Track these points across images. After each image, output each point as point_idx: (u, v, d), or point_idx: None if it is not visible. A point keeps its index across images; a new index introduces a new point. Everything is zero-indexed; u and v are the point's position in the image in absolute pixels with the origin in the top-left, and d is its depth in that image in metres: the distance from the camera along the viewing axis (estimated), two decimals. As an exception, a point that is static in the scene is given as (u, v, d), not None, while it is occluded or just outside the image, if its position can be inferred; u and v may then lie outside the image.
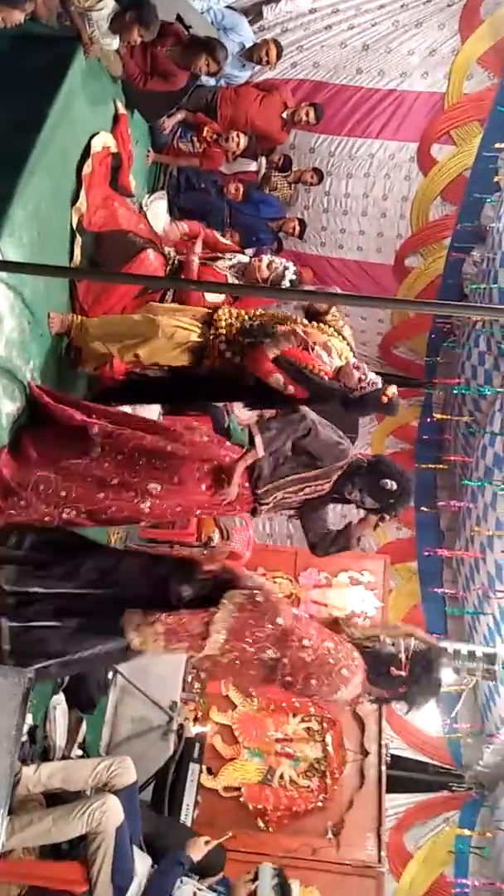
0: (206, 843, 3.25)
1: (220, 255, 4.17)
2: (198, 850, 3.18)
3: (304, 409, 3.14)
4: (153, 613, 2.51)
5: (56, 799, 3.00)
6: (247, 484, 3.00)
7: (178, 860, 3.09)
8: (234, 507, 3.04)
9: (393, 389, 3.46)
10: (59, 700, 3.58)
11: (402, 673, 2.54)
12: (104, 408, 3.12)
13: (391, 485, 2.96)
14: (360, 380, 3.39)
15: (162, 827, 3.49)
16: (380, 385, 3.42)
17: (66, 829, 2.78)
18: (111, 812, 2.80)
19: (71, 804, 2.84)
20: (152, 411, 4.65)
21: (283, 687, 2.53)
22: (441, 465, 6.83)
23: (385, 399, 3.42)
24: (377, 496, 3.03)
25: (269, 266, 3.97)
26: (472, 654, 2.61)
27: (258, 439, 2.96)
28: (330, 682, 2.49)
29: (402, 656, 2.55)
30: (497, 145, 6.17)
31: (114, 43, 3.92)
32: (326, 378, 3.36)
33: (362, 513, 3.20)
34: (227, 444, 3.14)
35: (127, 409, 4.26)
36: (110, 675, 4.24)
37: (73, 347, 3.57)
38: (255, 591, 2.52)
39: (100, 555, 2.78)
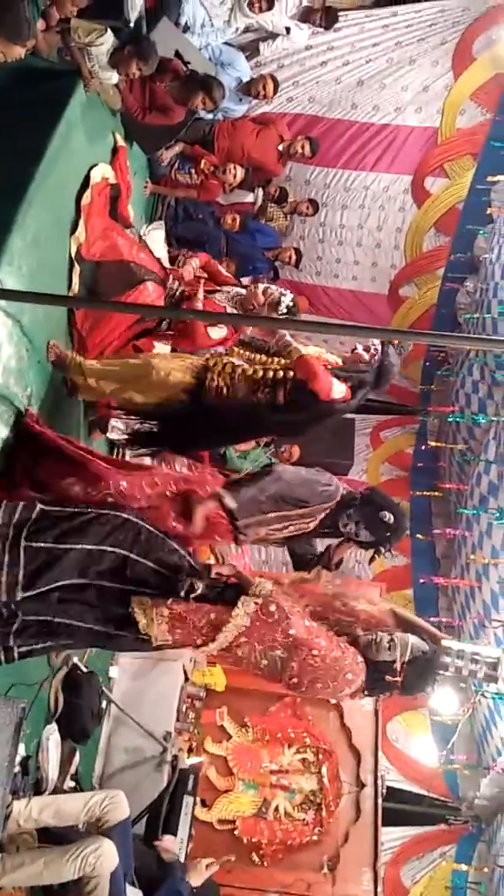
0: (207, 866, 3.19)
1: (218, 287, 4.21)
2: (198, 875, 3.12)
3: (279, 467, 3.16)
4: (163, 598, 2.52)
5: (48, 833, 2.94)
6: (222, 514, 2.96)
7: (177, 888, 3.03)
8: (212, 535, 3.02)
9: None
10: (52, 730, 3.54)
11: (397, 679, 2.54)
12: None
13: (389, 517, 2.95)
14: (368, 351, 3.38)
15: (155, 862, 3.43)
16: (378, 346, 3.40)
17: (59, 872, 2.72)
18: (105, 857, 2.74)
19: (63, 847, 2.77)
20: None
21: (287, 687, 2.55)
22: (436, 493, 6.84)
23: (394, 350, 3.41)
24: (374, 529, 3.01)
25: (264, 292, 4.01)
26: (474, 657, 2.57)
27: (228, 502, 2.92)
28: (335, 686, 2.52)
29: (398, 665, 2.53)
30: (490, 178, 6.30)
31: (113, 77, 4.01)
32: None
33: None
34: (206, 475, 3.14)
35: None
36: (104, 704, 4.19)
37: (69, 379, 3.58)
38: (270, 600, 2.51)
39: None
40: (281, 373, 3.33)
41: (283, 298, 4.00)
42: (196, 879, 3.10)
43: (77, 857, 2.71)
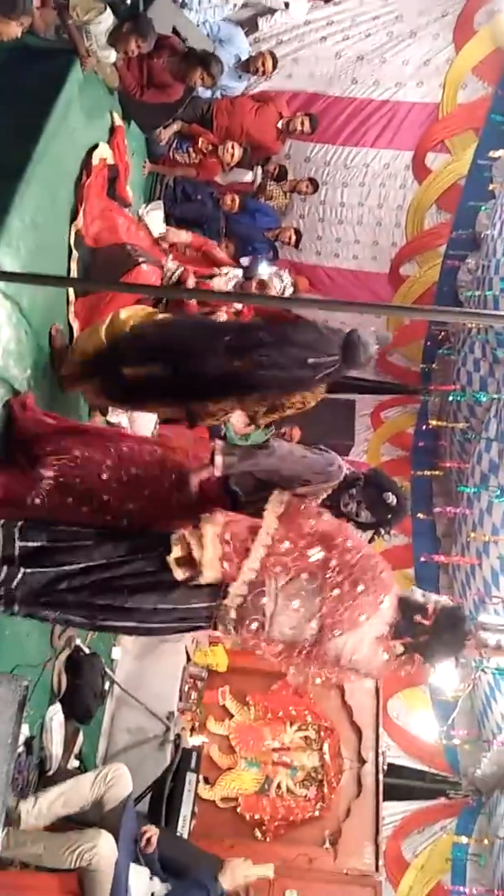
0: (245, 877, 3.19)
1: (216, 271, 4.19)
2: (231, 879, 3.13)
3: (274, 443, 3.15)
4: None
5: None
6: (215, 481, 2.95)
7: (203, 883, 3.06)
8: (207, 503, 2.99)
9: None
10: (56, 710, 3.57)
11: (426, 622, 2.46)
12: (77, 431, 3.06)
13: (392, 499, 2.92)
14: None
15: (169, 843, 3.48)
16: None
17: (56, 859, 2.76)
18: (103, 852, 2.78)
19: (63, 836, 2.81)
20: (148, 421, 4.66)
21: (330, 602, 2.37)
22: (437, 472, 6.84)
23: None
24: (376, 510, 2.97)
25: (263, 287, 3.99)
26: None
27: (218, 459, 2.93)
28: (375, 588, 2.39)
29: (430, 607, 2.47)
30: (492, 154, 6.22)
31: (111, 55, 3.96)
32: None
33: None
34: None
35: (125, 419, 4.29)
36: (107, 685, 4.23)
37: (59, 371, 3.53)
38: (296, 498, 2.54)
39: None
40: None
41: (285, 292, 3.98)
42: (229, 882, 3.12)
43: (73, 850, 2.75)
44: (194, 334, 3.23)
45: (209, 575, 2.37)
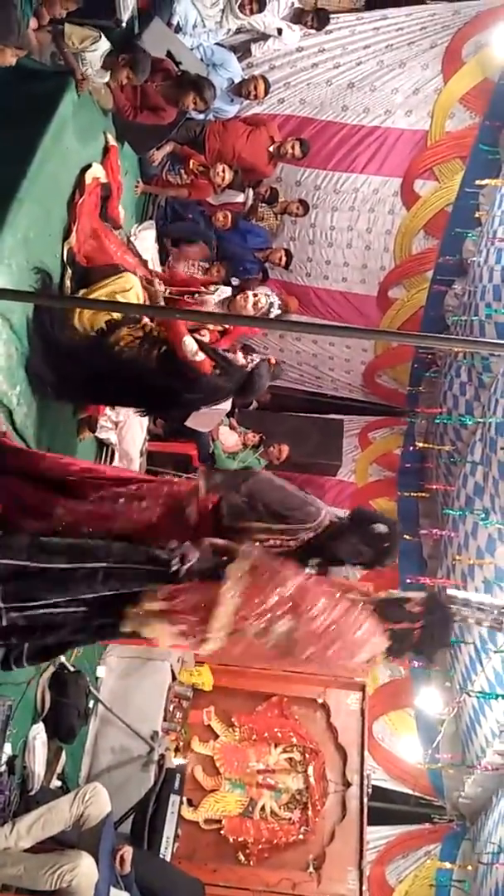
0: None
1: (204, 289, 4.24)
2: None
3: (256, 470, 3.18)
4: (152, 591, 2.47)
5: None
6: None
7: None
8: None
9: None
10: (39, 730, 3.53)
11: (418, 608, 2.52)
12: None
13: (382, 528, 2.83)
14: (245, 358, 3.55)
15: (150, 865, 3.45)
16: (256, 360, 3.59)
17: (36, 881, 2.74)
18: (83, 875, 2.77)
19: (43, 857, 2.79)
20: (137, 438, 4.67)
21: (307, 661, 2.49)
22: (423, 494, 6.88)
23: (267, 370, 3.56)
24: (372, 544, 2.92)
25: (255, 305, 4.04)
26: (480, 606, 2.58)
27: (201, 483, 2.94)
28: (351, 647, 2.45)
29: (415, 609, 2.54)
30: (478, 182, 6.32)
31: (105, 77, 4.01)
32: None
33: None
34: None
35: (113, 436, 4.30)
36: (91, 704, 4.19)
37: None
38: (258, 561, 2.49)
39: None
40: (156, 333, 3.64)
41: (271, 311, 4.04)
42: None
43: (53, 871, 2.73)
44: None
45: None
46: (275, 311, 4.10)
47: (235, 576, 2.44)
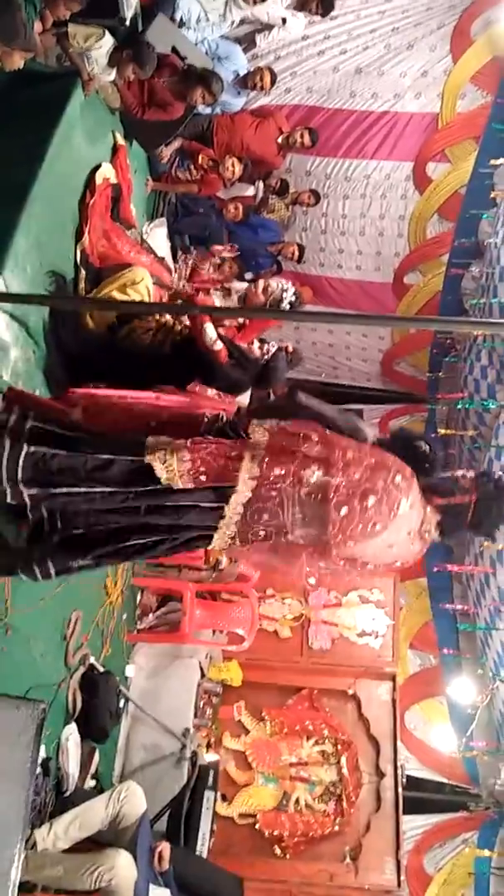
0: None
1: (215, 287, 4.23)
2: None
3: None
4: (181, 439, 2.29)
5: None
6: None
7: None
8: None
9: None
10: (72, 730, 3.56)
11: (467, 482, 2.30)
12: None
13: (424, 446, 2.52)
14: (262, 349, 3.50)
15: (187, 862, 3.46)
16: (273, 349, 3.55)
17: (76, 881, 2.76)
18: (121, 873, 2.78)
19: (81, 857, 2.80)
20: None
21: (340, 526, 2.20)
22: (448, 481, 6.79)
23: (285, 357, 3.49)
24: (415, 465, 2.77)
25: (265, 291, 4.02)
26: None
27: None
28: (388, 496, 2.20)
29: (467, 477, 2.32)
30: (493, 162, 6.22)
31: (111, 75, 4.00)
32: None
33: None
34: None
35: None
36: (122, 703, 4.22)
37: None
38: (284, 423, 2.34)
39: None
40: (171, 324, 3.61)
41: (284, 295, 4.01)
42: None
43: (92, 871, 2.74)
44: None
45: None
46: (289, 297, 4.05)
47: (262, 427, 2.30)
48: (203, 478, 2.27)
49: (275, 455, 2.26)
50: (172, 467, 2.26)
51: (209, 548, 2.45)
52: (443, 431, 6.88)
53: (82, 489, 2.32)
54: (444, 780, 5.92)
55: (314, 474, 2.22)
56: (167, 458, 2.27)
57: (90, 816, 2.98)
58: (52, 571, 2.38)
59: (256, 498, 2.25)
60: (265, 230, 6.34)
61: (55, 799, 3.29)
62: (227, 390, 3.77)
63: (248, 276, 5.71)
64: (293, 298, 5.02)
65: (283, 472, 2.23)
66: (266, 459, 2.25)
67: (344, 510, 2.20)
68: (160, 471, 2.27)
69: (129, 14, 4.25)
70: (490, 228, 6.39)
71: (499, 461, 5.67)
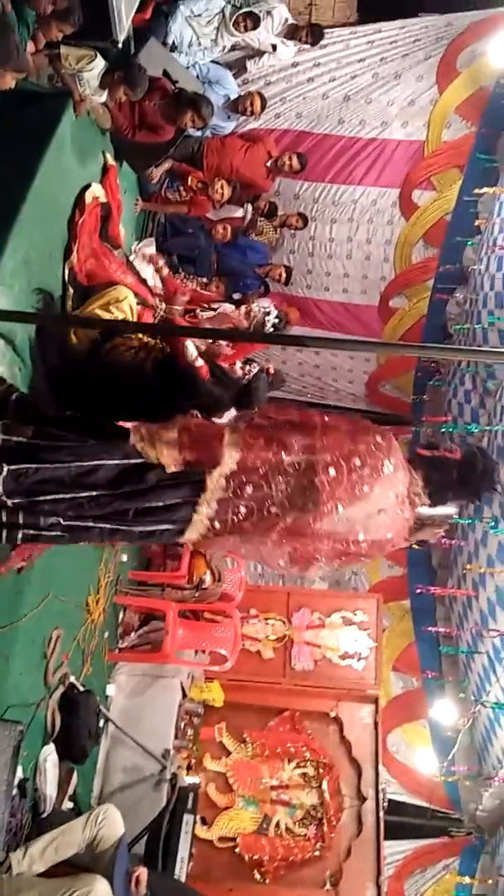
0: None
1: (207, 305, 4.26)
2: None
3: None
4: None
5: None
6: None
7: None
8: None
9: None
10: (50, 751, 3.51)
11: (454, 456, 2.36)
12: None
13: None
14: (243, 369, 3.53)
15: (165, 887, 3.40)
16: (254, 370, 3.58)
17: None
18: None
19: (57, 882, 2.74)
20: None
21: (329, 485, 2.19)
22: (431, 503, 6.83)
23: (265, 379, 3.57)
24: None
25: (247, 315, 4.05)
26: None
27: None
28: (372, 456, 2.21)
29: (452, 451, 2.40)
30: (477, 190, 6.34)
31: (103, 96, 4.04)
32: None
33: None
34: None
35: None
36: (101, 723, 4.17)
37: None
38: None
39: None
40: (153, 343, 3.59)
41: (267, 319, 4.04)
42: None
43: None
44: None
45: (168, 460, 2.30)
46: (272, 320, 4.08)
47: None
48: (188, 454, 2.29)
49: (257, 429, 2.30)
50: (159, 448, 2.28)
51: (187, 537, 2.41)
52: (426, 453, 6.90)
53: (68, 495, 2.32)
54: (426, 805, 5.89)
55: (298, 442, 2.24)
56: (152, 439, 2.30)
57: (67, 839, 2.93)
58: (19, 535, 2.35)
59: (241, 470, 2.26)
60: (253, 252, 6.41)
61: (31, 821, 3.23)
62: (207, 409, 3.79)
63: (236, 296, 5.76)
64: (276, 321, 5.07)
65: (266, 442, 2.26)
66: (249, 433, 2.28)
67: (332, 472, 2.21)
68: (145, 450, 2.29)
69: (121, 37, 4.31)
70: (474, 255, 6.49)
71: (482, 484, 5.69)
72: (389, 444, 2.29)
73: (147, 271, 4.65)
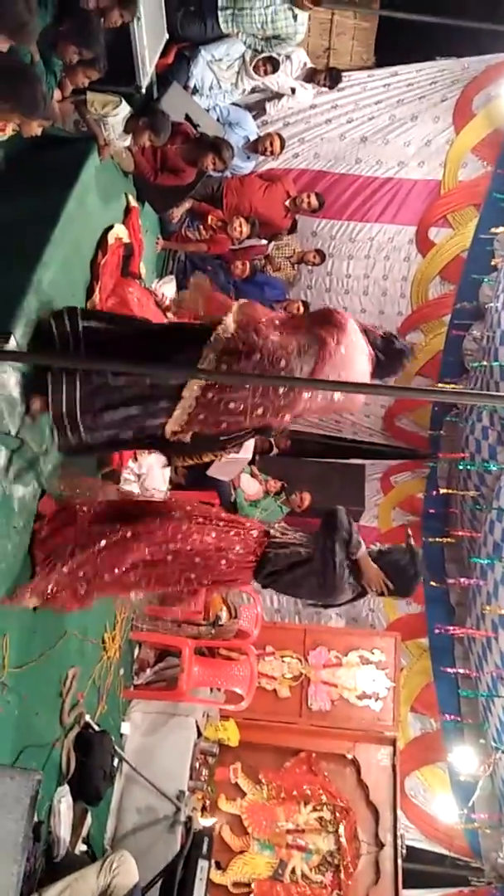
0: None
1: None
2: None
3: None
4: None
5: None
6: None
7: None
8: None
9: None
10: (64, 792, 3.46)
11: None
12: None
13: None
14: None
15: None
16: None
17: None
18: None
19: None
20: (159, 482, 4.67)
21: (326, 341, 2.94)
22: (449, 539, 6.79)
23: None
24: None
25: None
26: None
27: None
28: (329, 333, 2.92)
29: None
30: (493, 230, 6.40)
31: (127, 141, 4.13)
32: None
33: None
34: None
35: (136, 487, 4.30)
36: (116, 763, 4.11)
37: None
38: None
39: None
40: None
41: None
42: None
43: None
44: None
45: None
46: None
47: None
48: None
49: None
50: None
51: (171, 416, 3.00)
52: (444, 490, 6.88)
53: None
54: (446, 853, 5.74)
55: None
56: None
57: (80, 887, 2.88)
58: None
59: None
60: (271, 288, 6.47)
61: (45, 865, 3.18)
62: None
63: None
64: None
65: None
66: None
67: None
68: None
69: (145, 82, 4.43)
70: (491, 292, 6.53)
71: (500, 523, 5.65)
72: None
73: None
